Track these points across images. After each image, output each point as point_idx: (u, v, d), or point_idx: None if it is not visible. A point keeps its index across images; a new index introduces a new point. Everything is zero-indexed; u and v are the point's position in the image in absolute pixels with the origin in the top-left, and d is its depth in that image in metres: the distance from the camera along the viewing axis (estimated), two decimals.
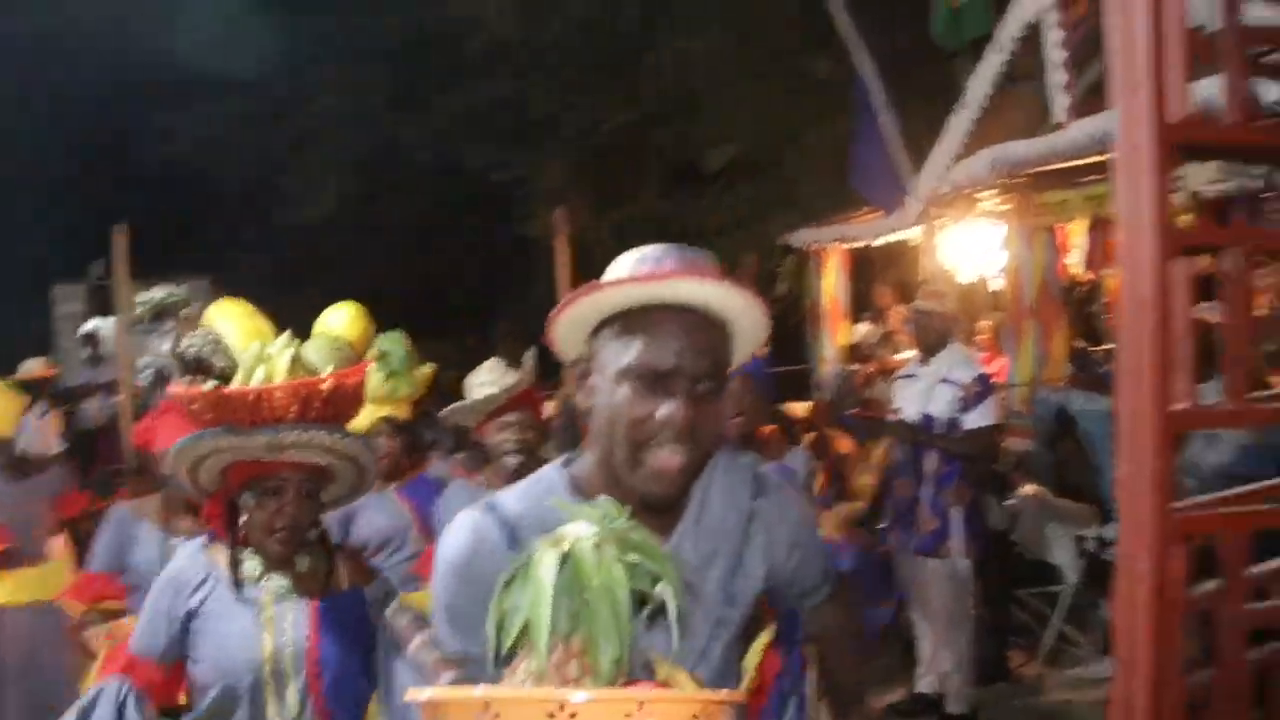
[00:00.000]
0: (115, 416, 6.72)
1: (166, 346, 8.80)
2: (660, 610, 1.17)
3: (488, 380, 3.62)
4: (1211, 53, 1.11)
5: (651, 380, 1.53)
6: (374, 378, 4.29)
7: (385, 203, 15.32)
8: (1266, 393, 1.28)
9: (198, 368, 3.33)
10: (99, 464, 6.93)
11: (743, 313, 1.59)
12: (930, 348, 5.46)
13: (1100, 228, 7.50)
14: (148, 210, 8.86)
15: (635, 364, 1.54)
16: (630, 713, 1.09)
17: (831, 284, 10.19)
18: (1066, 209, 7.21)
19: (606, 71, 13.62)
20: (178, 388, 2.66)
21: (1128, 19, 1.12)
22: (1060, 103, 6.23)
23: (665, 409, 1.52)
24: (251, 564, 2.45)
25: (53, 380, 8.00)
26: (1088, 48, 6.01)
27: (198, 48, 13.07)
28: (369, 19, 14.61)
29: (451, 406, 3.75)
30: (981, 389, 5.30)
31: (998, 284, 8.12)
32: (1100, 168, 5.80)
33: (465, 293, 15.24)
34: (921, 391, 5.40)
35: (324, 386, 2.38)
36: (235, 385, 2.42)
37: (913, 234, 8.63)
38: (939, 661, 5.43)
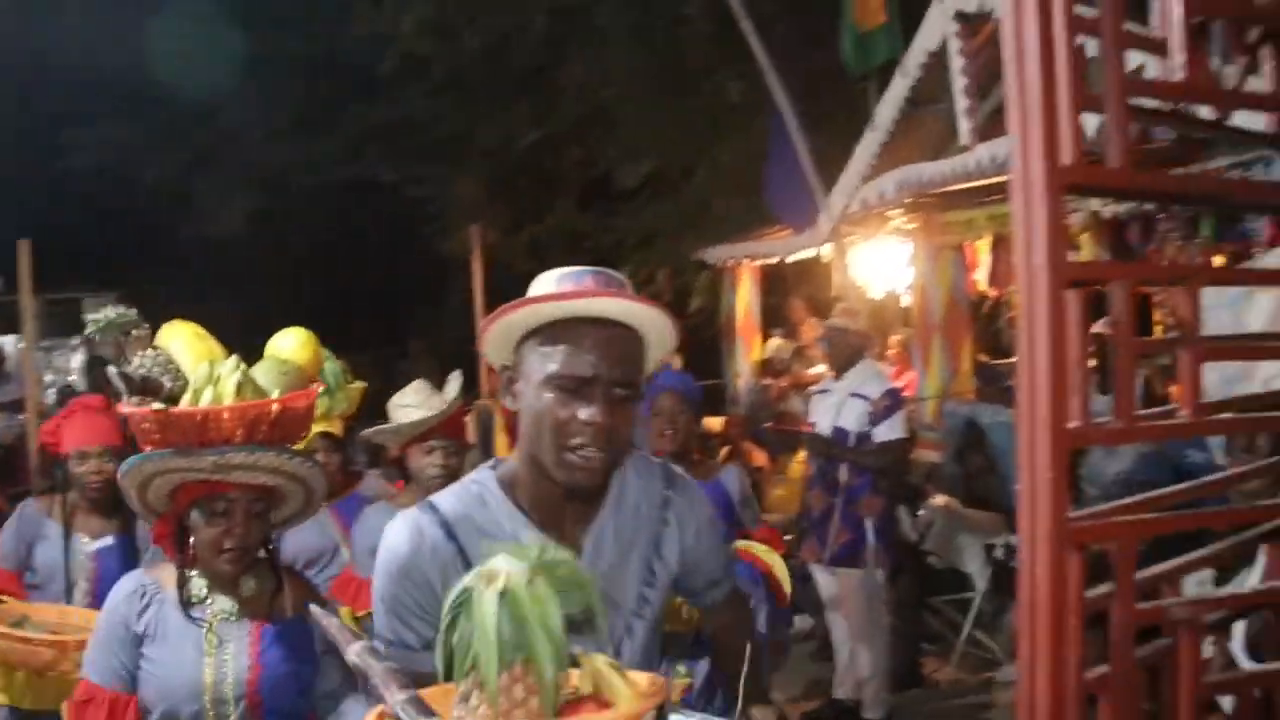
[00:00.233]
0: (21, 436, 6.54)
1: (75, 362, 8.56)
2: (586, 621, 1.28)
3: (414, 403, 3.56)
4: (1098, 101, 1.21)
5: (573, 387, 1.70)
6: None
7: (296, 218, 15.11)
8: (1155, 410, 1.37)
9: (146, 388, 3.28)
10: (4, 485, 6.71)
11: (654, 325, 1.76)
12: (843, 364, 5.58)
13: (1003, 245, 7.62)
14: (52, 225, 8.63)
15: (558, 373, 1.70)
16: None
17: (745, 299, 10.27)
18: (972, 227, 7.38)
19: (520, 88, 13.61)
20: (126, 407, 2.63)
21: (1020, 65, 1.20)
22: (964, 126, 6.40)
23: (585, 412, 1.70)
24: (198, 584, 2.45)
25: None
26: (989, 75, 6.19)
27: (105, 62, 12.77)
28: (279, 35, 14.44)
29: (377, 428, 3.68)
30: (891, 403, 5.44)
31: (907, 300, 8.30)
32: (1003, 188, 5.89)
33: (379, 308, 15.09)
34: (834, 405, 5.52)
35: (272, 409, 2.39)
36: (183, 406, 2.42)
37: (824, 251, 8.76)
38: (856, 669, 5.55)
